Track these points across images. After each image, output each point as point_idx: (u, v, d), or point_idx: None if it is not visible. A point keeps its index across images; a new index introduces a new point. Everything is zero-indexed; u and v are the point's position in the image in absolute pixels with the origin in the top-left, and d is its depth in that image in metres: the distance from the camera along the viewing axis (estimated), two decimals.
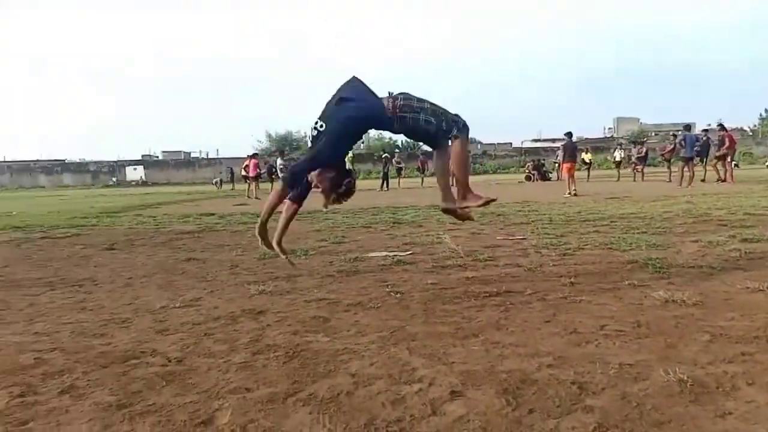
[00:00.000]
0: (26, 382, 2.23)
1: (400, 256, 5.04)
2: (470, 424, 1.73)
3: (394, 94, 3.33)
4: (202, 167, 53.79)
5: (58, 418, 1.89)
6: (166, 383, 2.17)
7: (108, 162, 56.49)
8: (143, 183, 50.35)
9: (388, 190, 21.86)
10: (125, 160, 56.78)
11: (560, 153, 17.60)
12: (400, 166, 26.79)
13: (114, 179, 52.22)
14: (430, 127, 3.29)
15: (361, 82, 3.39)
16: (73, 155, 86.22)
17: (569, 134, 15.81)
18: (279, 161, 19.15)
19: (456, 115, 3.38)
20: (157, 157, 64.43)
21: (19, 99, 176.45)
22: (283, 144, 58.42)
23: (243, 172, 21.42)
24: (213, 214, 11.02)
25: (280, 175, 18.61)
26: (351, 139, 3.44)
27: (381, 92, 3.35)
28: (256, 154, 22.22)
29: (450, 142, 3.39)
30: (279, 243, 3.51)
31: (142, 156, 62.70)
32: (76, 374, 2.31)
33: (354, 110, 3.23)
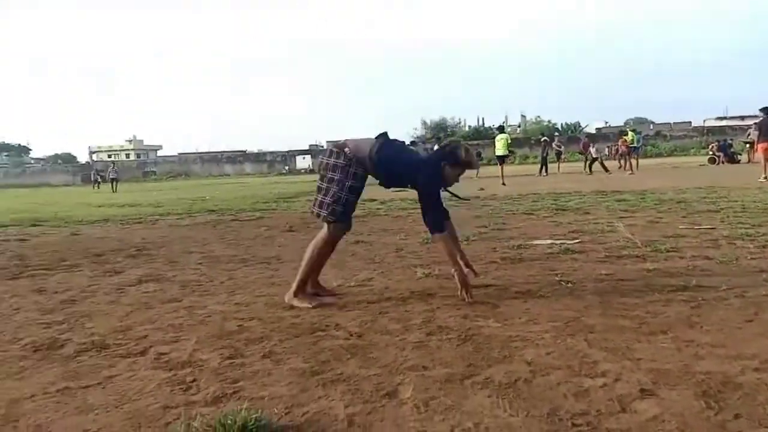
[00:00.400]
0: (233, 346, 2.55)
1: (568, 244, 4.82)
2: (666, 425, 1.61)
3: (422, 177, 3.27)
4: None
5: (263, 379, 2.14)
6: (350, 355, 2.34)
7: (281, 152, 61.79)
8: (310, 171, 54.20)
9: (547, 175, 20.94)
10: (295, 150, 61.59)
11: (754, 131, 15.36)
12: (560, 149, 25.46)
13: (286, 168, 57.01)
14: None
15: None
16: (252, 146, 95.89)
17: (766, 110, 13.71)
18: (436, 148, 19.30)
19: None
20: (323, 146, 69.01)
21: (217, 99, 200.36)
22: (439, 130, 58.94)
23: None
24: (375, 200, 11.51)
25: None
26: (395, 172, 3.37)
27: None
28: (414, 142, 22.72)
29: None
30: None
31: (310, 146, 67.52)
32: (273, 341, 2.58)
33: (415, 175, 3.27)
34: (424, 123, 66.32)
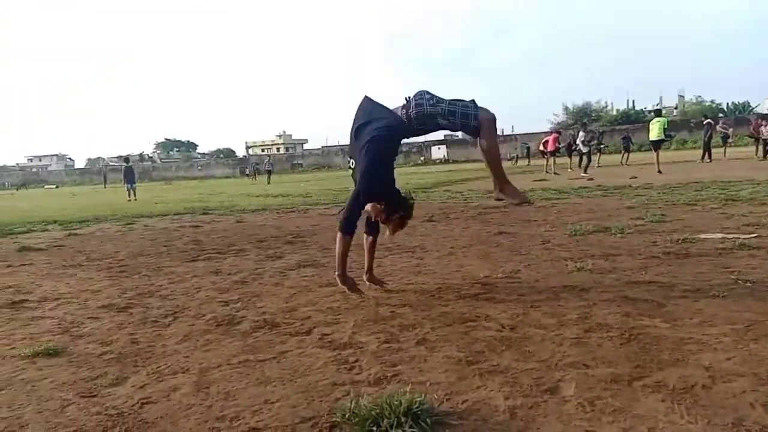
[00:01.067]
0: (388, 331, 2.66)
1: (743, 238, 4.31)
2: None
3: (409, 98, 3.23)
4: (499, 144, 55.23)
5: (420, 365, 2.21)
6: (505, 348, 2.32)
7: (417, 143, 62.69)
8: (445, 161, 54.38)
9: (710, 161, 18.85)
10: (431, 141, 62.09)
11: None
12: (727, 132, 22.70)
13: (422, 158, 57.80)
14: (453, 126, 3.25)
15: (371, 100, 3.31)
16: None
17: None
18: (581, 134, 18.31)
19: (472, 109, 3.17)
20: (458, 136, 68.66)
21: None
22: (582, 115, 55.70)
23: (541, 148, 21.26)
24: None
25: (583, 149, 17.80)
26: (388, 159, 3.24)
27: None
28: (559, 131, 22.23)
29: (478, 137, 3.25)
30: (343, 274, 3.30)
31: (445, 136, 67.62)
32: (426, 329, 2.65)
33: (376, 131, 3.09)
34: (566, 108, 63.11)
